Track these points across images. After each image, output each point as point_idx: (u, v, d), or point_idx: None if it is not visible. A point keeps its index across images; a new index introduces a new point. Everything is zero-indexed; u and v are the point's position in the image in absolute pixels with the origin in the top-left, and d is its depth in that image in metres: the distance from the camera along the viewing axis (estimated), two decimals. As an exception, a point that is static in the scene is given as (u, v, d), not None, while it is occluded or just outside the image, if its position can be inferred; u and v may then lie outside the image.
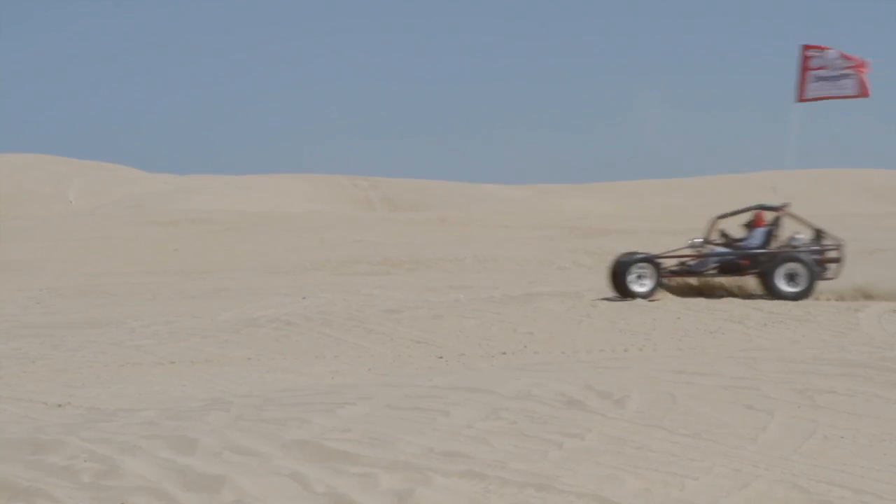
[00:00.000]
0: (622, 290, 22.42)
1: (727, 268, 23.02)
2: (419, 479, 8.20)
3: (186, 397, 13.76)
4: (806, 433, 9.52)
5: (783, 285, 22.30)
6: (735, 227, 23.59)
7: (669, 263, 22.94)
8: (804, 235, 23.19)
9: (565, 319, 19.84)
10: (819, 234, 23.19)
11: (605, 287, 22.98)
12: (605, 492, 7.93)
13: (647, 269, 22.45)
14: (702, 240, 23.19)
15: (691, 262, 23.03)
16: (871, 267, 31.61)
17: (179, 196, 79.65)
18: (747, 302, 21.40)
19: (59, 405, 13.94)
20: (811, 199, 78.15)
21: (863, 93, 24.18)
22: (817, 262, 22.60)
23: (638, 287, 22.29)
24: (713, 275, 23.01)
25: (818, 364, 12.38)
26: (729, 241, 23.37)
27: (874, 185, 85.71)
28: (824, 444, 9.26)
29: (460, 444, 9.19)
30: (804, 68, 24.15)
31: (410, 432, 9.54)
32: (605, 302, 21.79)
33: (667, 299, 22.02)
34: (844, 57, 24.19)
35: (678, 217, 58.71)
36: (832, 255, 22.95)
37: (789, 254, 22.53)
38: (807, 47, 24.28)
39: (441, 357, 17.01)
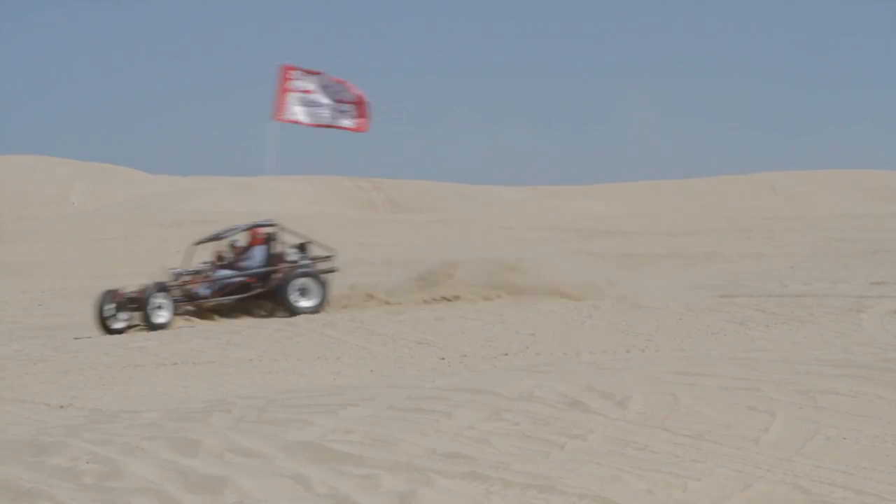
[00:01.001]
0: (104, 328, 21.86)
1: (236, 290, 22.85)
2: (421, 481, 8.20)
3: (189, 399, 13.76)
4: (808, 434, 9.52)
5: (297, 300, 22.49)
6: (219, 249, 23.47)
7: (177, 292, 22.37)
8: (294, 250, 23.36)
9: (567, 321, 19.82)
10: (304, 247, 23.44)
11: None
12: (607, 493, 7.93)
13: (162, 298, 21.94)
14: (180, 270, 22.83)
15: (199, 288, 22.68)
16: (874, 267, 31.63)
17: (182, 198, 79.63)
18: (749, 303, 21.37)
19: (62, 407, 13.96)
20: (812, 199, 78.22)
21: (360, 129, 24.12)
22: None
23: (157, 318, 21.70)
24: (224, 299, 22.74)
25: (820, 365, 12.36)
26: (230, 263, 23.18)
27: (874, 185, 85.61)
28: (826, 445, 9.26)
29: (462, 445, 9.19)
30: (283, 89, 24.01)
31: (412, 433, 9.54)
32: (607, 303, 21.78)
33: (664, 301, 22.02)
34: (338, 84, 23.99)
35: (680, 218, 58.70)
36: (325, 265, 23.25)
37: (299, 270, 22.73)
38: (287, 68, 24.10)
39: (443, 358, 17.00)
